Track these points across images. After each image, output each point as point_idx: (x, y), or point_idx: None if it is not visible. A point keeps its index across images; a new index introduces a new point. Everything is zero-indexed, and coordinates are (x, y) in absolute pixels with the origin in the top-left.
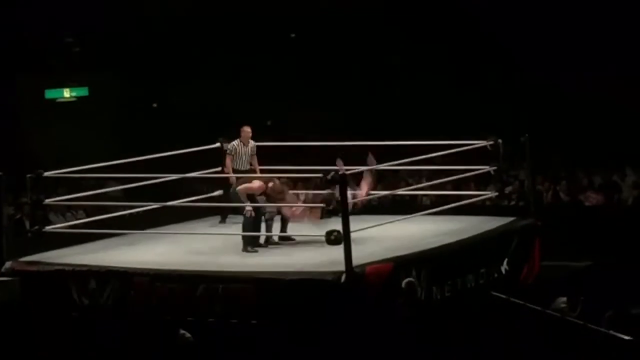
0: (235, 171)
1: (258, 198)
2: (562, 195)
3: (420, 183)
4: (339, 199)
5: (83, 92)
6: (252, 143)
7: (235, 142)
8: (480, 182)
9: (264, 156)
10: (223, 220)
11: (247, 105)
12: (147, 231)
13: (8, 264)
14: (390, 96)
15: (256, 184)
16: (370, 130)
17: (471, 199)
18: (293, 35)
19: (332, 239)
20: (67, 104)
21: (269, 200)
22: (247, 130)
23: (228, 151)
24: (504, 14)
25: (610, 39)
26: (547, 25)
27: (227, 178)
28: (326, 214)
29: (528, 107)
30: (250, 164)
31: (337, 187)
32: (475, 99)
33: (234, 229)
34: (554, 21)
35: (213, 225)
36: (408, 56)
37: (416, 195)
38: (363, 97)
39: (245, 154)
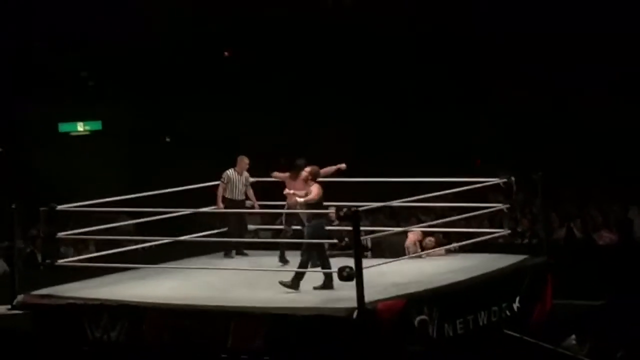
0: (228, 200)
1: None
2: (575, 232)
3: (433, 220)
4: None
5: (97, 125)
6: (246, 174)
7: (230, 171)
8: (494, 219)
9: (276, 191)
10: (228, 254)
11: (261, 138)
12: (159, 265)
13: (20, 298)
14: (401, 131)
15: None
16: (382, 161)
17: (484, 236)
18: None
19: (345, 275)
20: (81, 137)
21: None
22: (245, 160)
23: (222, 179)
24: (515, 48)
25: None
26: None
27: (231, 212)
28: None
29: (539, 140)
30: (246, 195)
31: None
32: (483, 131)
33: (245, 264)
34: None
35: (226, 259)
36: (414, 91)
37: (429, 233)
38: (376, 128)
39: (240, 183)
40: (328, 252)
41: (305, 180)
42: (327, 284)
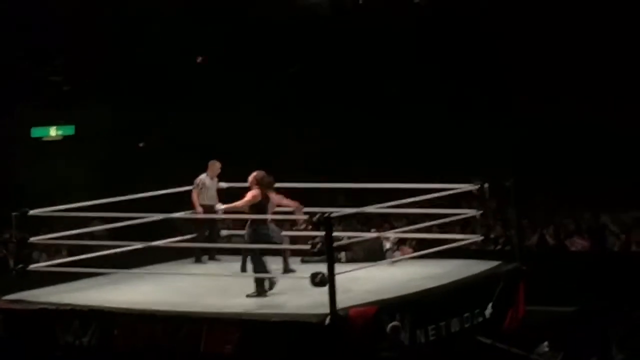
0: (202, 206)
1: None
2: (548, 239)
3: (406, 226)
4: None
5: (69, 130)
6: (216, 179)
7: (202, 176)
8: (466, 225)
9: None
10: (198, 260)
11: (237, 142)
12: (131, 271)
13: None
14: (381, 134)
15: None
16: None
17: (456, 242)
18: (291, 69)
19: (317, 281)
20: (54, 142)
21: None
22: (217, 165)
23: (195, 185)
24: (496, 49)
25: (598, 74)
26: (538, 60)
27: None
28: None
29: (513, 145)
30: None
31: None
32: (457, 137)
33: (218, 269)
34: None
35: (197, 265)
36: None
37: (401, 238)
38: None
39: (212, 189)
40: (306, 258)
41: (251, 186)
42: (260, 292)
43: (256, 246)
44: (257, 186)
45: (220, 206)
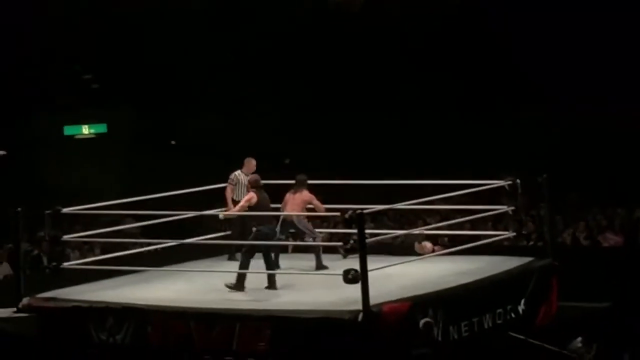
0: (235, 202)
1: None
2: (580, 237)
3: (438, 222)
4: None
5: (102, 128)
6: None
7: (238, 172)
8: (498, 221)
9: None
10: (232, 258)
11: (265, 141)
12: (165, 268)
13: (25, 300)
14: (406, 131)
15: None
16: (385, 168)
17: (489, 238)
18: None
19: (350, 277)
20: (86, 140)
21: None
22: (253, 162)
23: (230, 180)
24: (520, 47)
25: (630, 72)
26: (565, 58)
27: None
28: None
29: (545, 142)
30: None
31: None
32: (489, 134)
33: (250, 267)
34: (573, 54)
35: (231, 262)
36: (422, 90)
37: (434, 235)
38: (379, 132)
39: (246, 185)
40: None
41: (248, 189)
42: (239, 286)
43: (281, 243)
44: (252, 190)
45: (222, 214)
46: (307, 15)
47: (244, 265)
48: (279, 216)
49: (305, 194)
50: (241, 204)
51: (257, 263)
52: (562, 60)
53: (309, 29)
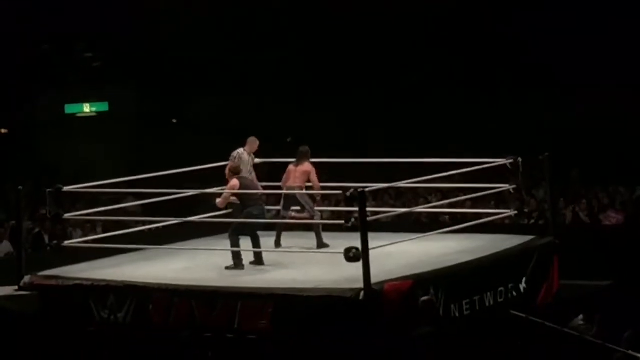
0: None
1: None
2: (581, 214)
3: (440, 201)
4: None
5: (103, 107)
6: (253, 155)
7: (240, 150)
8: (500, 200)
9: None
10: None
11: (266, 120)
12: (166, 247)
13: (27, 278)
14: (408, 113)
15: None
16: (389, 146)
17: (490, 217)
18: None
19: (351, 256)
20: (87, 118)
21: None
22: (257, 142)
23: (232, 158)
24: (521, 30)
25: (631, 52)
26: (567, 39)
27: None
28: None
29: (546, 122)
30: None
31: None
32: (490, 113)
33: (250, 245)
34: (574, 34)
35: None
36: (426, 72)
37: (435, 213)
38: (380, 113)
39: (249, 164)
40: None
41: (228, 178)
42: (238, 264)
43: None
44: (233, 176)
45: (218, 200)
46: None
47: (235, 244)
48: (272, 194)
49: (306, 166)
50: (224, 194)
51: (265, 242)
52: (566, 40)
53: (314, 5)
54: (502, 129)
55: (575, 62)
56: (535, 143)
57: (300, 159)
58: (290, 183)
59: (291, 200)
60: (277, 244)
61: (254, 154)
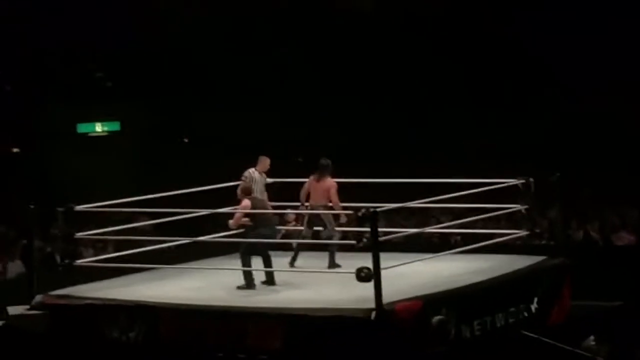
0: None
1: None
2: (593, 234)
3: (451, 221)
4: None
5: (115, 126)
6: (264, 175)
7: (252, 170)
8: (511, 220)
9: (294, 192)
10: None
11: (280, 138)
12: (177, 266)
13: (38, 298)
14: (419, 131)
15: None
16: (398, 164)
17: (502, 237)
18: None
19: (363, 276)
20: (99, 137)
21: None
22: (267, 161)
23: (243, 178)
24: (534, 45)
25: None
26: (577, 56)
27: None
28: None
29: (559, 140)
30: None
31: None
32: (500, 132)
33: (263, 264)
34: (585, 48)
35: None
36: (435, 90)
37: (446, 233)
38: (392, 130)
39: (261, 183)
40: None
41: (240, 198)
42: (249, 284)
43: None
44: (244, 196)
45: (230, 221)
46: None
47: (247, 264)
48: (277, 214)
49: (329, 182)
50: (236, 216)
51: (276, 262)
52: (578, 57)
53: (321, 18)
54: (514, 147)
55: (589, 78)
56: (547, 162)
57: (322, 174)
58: (315, 201)
59: (315, 218)
60: (292, 264)
61: (266, 172)
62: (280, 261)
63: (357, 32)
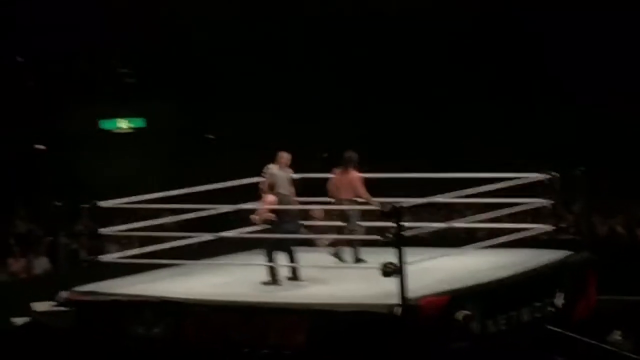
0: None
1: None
2: (618, 229)
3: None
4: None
5: (139, 123)
6: (289, 169)
7: (271, 166)
8: (536, 214)
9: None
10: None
11: (302, 135)
12: (202, 262)
13: (64, 294)
14: (441, 127)
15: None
16: (421, 161)
17: (527, 232)
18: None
19: (387, 271)
20: (124, 134)
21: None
22: (285, 155)
23: (264, 174)
24: (553, 43)
25: None
26: (597, 52)
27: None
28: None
29: (580, 136)
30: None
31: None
32: (525, 128)
33: (287, 260)
34: (605, 48)
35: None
36: (458, 86)
37: (472, 228)
38: (415, 126)
39: (284, 179)
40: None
41: (265, 194)
42: (274, 280)
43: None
44: (269, 191)
45: (255, 217)
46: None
47: (272, 259)
48: (302, 210)
49: (352, 174)
50: (261, 211)
51: (302, 257)
52: (597, 54)
53: (342, 21)
54: (539, 142)
55: (606, 75)
56: (572, 157)
57: (346, 167)
58: (340, 195)
59: (343, 217)
60: (357, 259)
61: (289, 167)
62: (305, 257)
63: (379, 34)
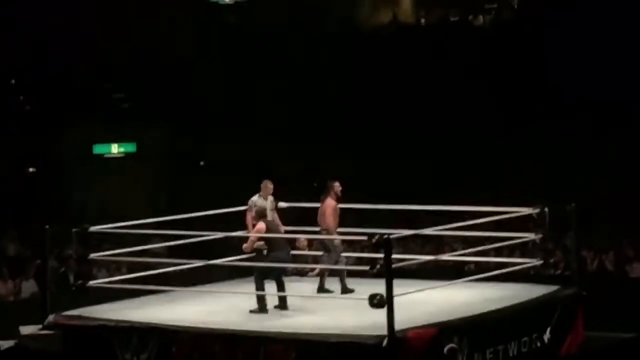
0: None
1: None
2: (608, 265)
3: (465, 248)
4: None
5: (131, 147)
6: (271, 198)
7: (255, 197)
8: (525, 249)
9: (311, 217)
10: None
11: (295, 162)
12: (191, 288)
13: (51, 317)
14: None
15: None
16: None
17: (515, 266)
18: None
19: (375, 302)
20: (115, 159)
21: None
22: (269, 185)
23: (248, 207)
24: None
25: None
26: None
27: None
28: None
29: (575, 172)
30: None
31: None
32: (520, 159)
33: (275, 289)
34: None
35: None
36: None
37: (460, 261)
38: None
39: (269, 208)
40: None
41: (254, 222)
42: (262, 308)
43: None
44: (259, 219)
45: (244, 245)
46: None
47: (260, 288)
48: (290, 238)
49: (328, 203)
50: (251, 238)
51: (289, 286)
52: (596, 89)
53: (344, 44)
54: (530, 177)
55: (608, 104)
56: (562, 192)
57: (325, 195)
58: (322, 224)
59: (323, 245)
60: (345, 289)
61: (271, 195)
62: (293, 286)
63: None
